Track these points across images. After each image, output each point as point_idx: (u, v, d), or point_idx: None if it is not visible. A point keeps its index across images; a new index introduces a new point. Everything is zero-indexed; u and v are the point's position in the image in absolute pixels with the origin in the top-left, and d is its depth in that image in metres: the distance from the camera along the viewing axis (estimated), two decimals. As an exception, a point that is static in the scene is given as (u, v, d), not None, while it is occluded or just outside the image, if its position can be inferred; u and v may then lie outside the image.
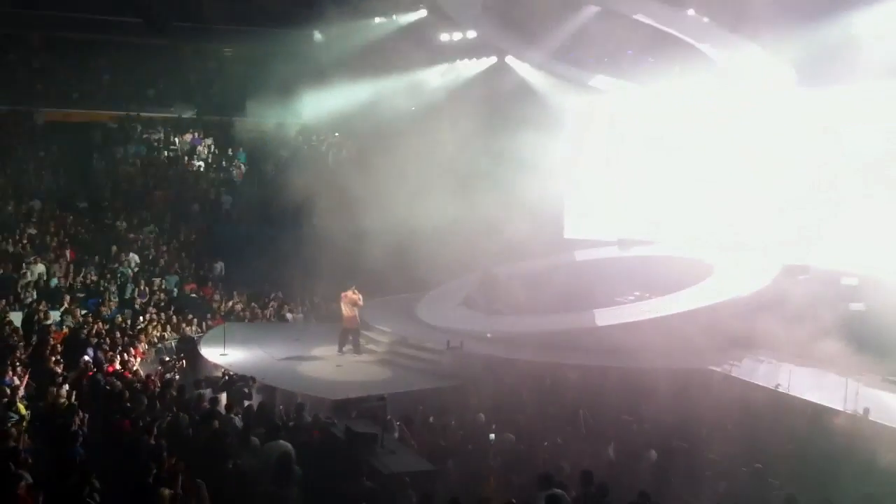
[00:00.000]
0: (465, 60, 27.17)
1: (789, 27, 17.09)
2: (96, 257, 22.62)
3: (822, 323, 15.54)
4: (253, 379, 16.39)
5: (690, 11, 20.15)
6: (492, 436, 13.43)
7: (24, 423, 13.46)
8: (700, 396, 14.61)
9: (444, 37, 26.69)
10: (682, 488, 12.40)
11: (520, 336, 18.32)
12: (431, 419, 14.84)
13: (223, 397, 15.28)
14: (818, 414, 13.82)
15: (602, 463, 12.83)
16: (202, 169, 28.29)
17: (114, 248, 23.32)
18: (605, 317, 18.48)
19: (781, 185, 20.04)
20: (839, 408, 13.83)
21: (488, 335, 17.81)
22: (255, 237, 24.04)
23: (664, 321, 17.27)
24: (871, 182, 18.15)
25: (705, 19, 20.13)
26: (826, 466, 12.15)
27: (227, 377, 16.74)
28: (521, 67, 25.91)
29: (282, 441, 12.78)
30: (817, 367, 15.68)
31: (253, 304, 22.30)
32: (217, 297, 22.39)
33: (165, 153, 28.59)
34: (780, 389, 14.97)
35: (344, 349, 18.63)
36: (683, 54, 21.01)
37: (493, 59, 26.56)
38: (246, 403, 15.35)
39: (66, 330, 18.47)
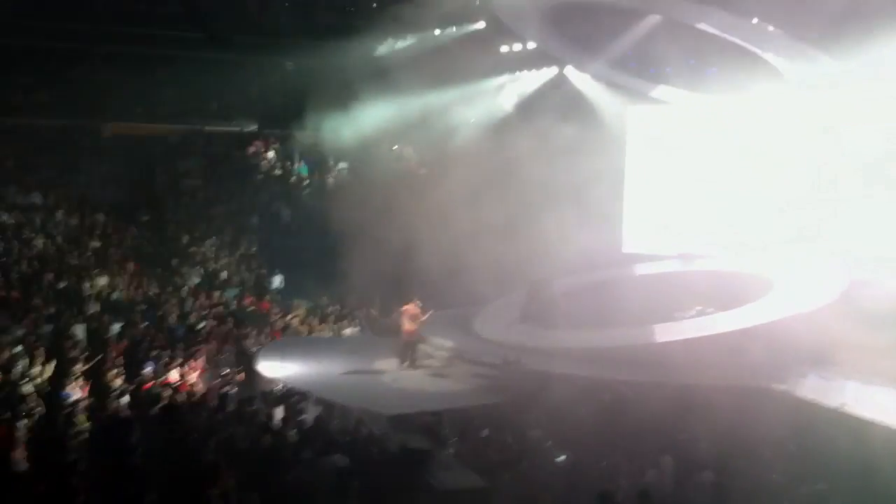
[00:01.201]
0: (526, 71, 27.06)
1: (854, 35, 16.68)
2: (158, 270, 22.92)
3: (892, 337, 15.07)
4: (307, 393, 16.45)
5: (754, 20, 19.81)
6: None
7: (84, 436, 13.70)
8: (761, 415, 14.25)
9: (504, 48, 26.63)
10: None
11: (577, 351, 18.06)
12: (485, 433, 14.72)
13: (279, 411, 15.35)
14: (885, 434, 13.36)
15: (660, 482, 12.58)
16: (262, 181, 28.53)
17: (175, 260, 23.62)
18: (665, 332, 18.15)
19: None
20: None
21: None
22: (314, 250, 24.13)
23: (724, 337, 16.88)
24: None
25: (770, 27, 19.77)
26: (892, 489, 11.74)
27: (282, 391, 16.85)
28: (581, 78, 25.73)
29: (338, 456, 12.79)
30: (887, 385, 15.16)
31: (311, 317, 22.38)
32: (275, 310, 22.49)
33: (226, 166, 28.86)
34: (846, 409, 14.51)
35: (404, 364, 18.56)
36: (749, 64, 20.67)
37: (555, 70, 26.40)
38: (301, 417, 15.40)
39: (125, 342, 18.72)
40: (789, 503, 12.05)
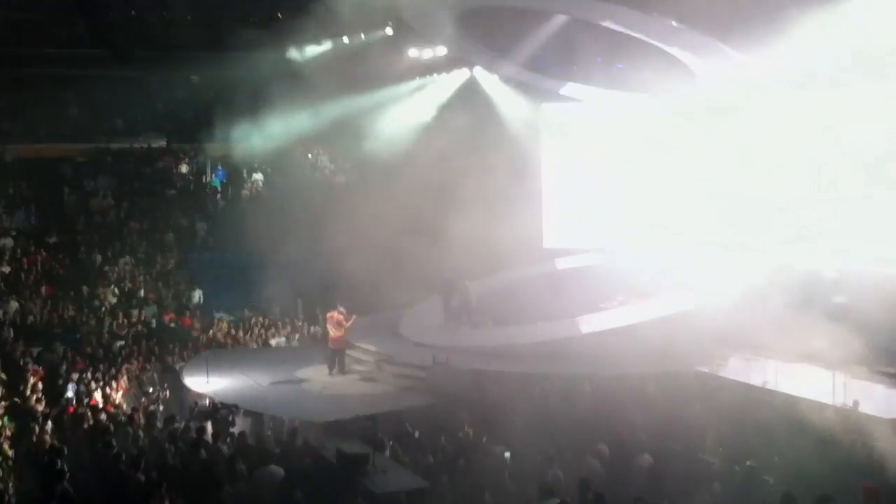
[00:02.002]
0: (437, 75, 27.19)
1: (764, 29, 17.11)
2: (72, 292, 22.34)
3: (807, 318, 15.56)
4: (236, 406, 16.24)
5: (656, 16, 20.22)
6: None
7: (10, 464, 13.28)
8: (689, 398, 14.62)
9: (414, 52, 26.72)
10: (676, 491, 12.33)
11: (504, 348, 18.22)
12: (417, 435, 14.76)
13: (209, 426, 15.11)
14: (808, 409, 13.82)
15: (595, 470, 12.77)
16: (175, 197, 28.06)
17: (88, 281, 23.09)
18: (590, 324, 18.42)
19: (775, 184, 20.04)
20: (828, 402, 13.87)
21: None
22: (232, 263, 23.86)
23: (649, 325, 17.24)
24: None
25: (673, 23, 20.21)
26: (820, 461, 12.13)
27: (210, 406, 16.60)
28: (491, 80, 25.95)
29: (273, 467, 12.67)
30: (805, 363, 15.67)
31: (233, 330, 22.10)
32: (197, 325, 22.14)
33: (136, 184, 28.30)
34: (769, 386, 14.99)
35: (332, 371, 18.46)
36: (655, 59, 21.07)
37: (466, 73, 26.58)
38: (232, 431, 15.21)
39: (43, 367, 18.20)
40: (722, 482, 12.31)
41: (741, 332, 16.53)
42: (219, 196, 28.76)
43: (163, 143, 30.21)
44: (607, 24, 20.89)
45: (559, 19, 22.99)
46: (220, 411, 16.36)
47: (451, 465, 13.29)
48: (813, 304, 16.02)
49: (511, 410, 15.04)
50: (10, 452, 13.90)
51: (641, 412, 14.60)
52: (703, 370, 16.18)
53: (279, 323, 22.57)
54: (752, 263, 18.84)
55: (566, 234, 23.87)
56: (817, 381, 14.61)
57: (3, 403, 15.65)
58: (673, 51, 20.29)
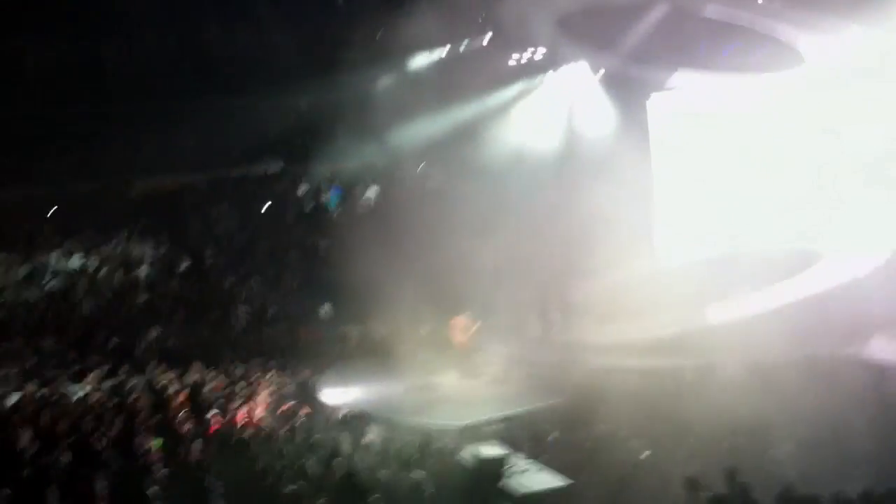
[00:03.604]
0: (538, 77, 27.16)
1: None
2: (207, 315, 23.13)
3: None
4: (369, 414, 16.56)
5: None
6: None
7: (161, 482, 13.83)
8: (839, 384, 14.17)
9: (515, 56, 26.77)
10: (826, 479, 12.01)
11: (634, 342, 18.06)
12: (557, 434, 14.75)
13: (345, 436, 15.45)
14: None
15: (738, 458, 12.54)
16: (297, 216, 28.78)
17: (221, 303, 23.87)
18: (720, 314, 18.10)
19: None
20: None
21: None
22: (354, 277, 24.29)
23: (782, 311, 16.83)
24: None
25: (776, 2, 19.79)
26: None
27: (346, 416, 16.97)
28: (593, 78, 25.80)
29: (415, 471, 12.88)
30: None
31: (363, 341, 22.49)
32: (327, 339, 22.65)
33: (257, 207, 29.14)
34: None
35: (461, 375, 18.62)
36: (764, 42, 20.65)
37: (566, 72, 26.46)
38: (365, 440, 15.51)
39: (187, 390, 18.88)
40: (873, 468, 11.94)
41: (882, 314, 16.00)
42: (335, 213, 29.36)
43: (279, 166, 31.05)
44: (711, 9, 20.62)
45: (660, 9, 22.75)
46: (353, 421, 16.72)
47: (590, 461, 13.29)
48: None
49: (645, 405, 14.93)
50: (162, 472, 14.49)
51: (781, 400, 14.26)
52: (847, 353, 15.67)
53: (405, 331, 22.83)
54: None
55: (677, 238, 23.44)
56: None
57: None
58: (781, 32, 19.86)
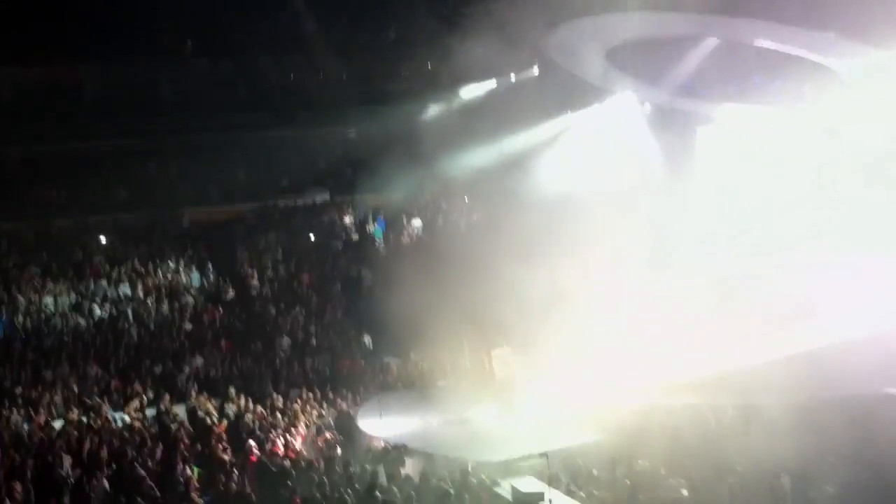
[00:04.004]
0: (585, 109, 27.13)
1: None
2: (250, 345, 23.30)
3: None
4: (405, 447, 16.50)
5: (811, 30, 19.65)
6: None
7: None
8: (883, 423, 13.80)
9: (562, 88, 26.76)
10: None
11: (676, 378, 17.78)
12: (595, 472, 14.53)
13: (381, 468, 15.42)
14: None
15: (779, 499, 12.26)
16: (341, 248, 28.94)
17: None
18: (758, 352, 17.78)
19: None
20: None
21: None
22: (397, 308, 24.33)
23: (827, 349, 16.48)
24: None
25: (829, 33, 19.58)
26: None
27: (384, 448, 16.95)
28: (640, 110, 25.73)
29: (450, 507, 12.79)
30: None
31: (404, 373, 22.47)
32: (368, 370, 22.66)
33: (304, 238, 29.37)
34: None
35: (500, 409, 18.48)
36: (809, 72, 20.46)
37: (613, 104, 26.41)
38: (402, 472, 15.46)
39: (228, 419, 19.00)
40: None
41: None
42: (380, 244, 29.47)
43: (326, 197, 31.32)
44: (760, 42, 20.47)
45: (711, 42, 22.65)
46: (391, 453, 16.68)
47: (629, 499, 13.07)
48: None
49: (686, 442, 14.68)
50: (201, 501, 14.59)
51: (823, 440, 13.92)
52: (888, 392, 15.29)
53: (445, 364, 22.78)
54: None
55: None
56: None
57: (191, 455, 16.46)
58: (827, 61, 19.66)
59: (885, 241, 17.17)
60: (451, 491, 13.83)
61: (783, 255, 21.38)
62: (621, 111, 26.20)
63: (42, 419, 18.35)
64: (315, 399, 20.12)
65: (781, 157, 20.39)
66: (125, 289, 25.09)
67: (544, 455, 14.12)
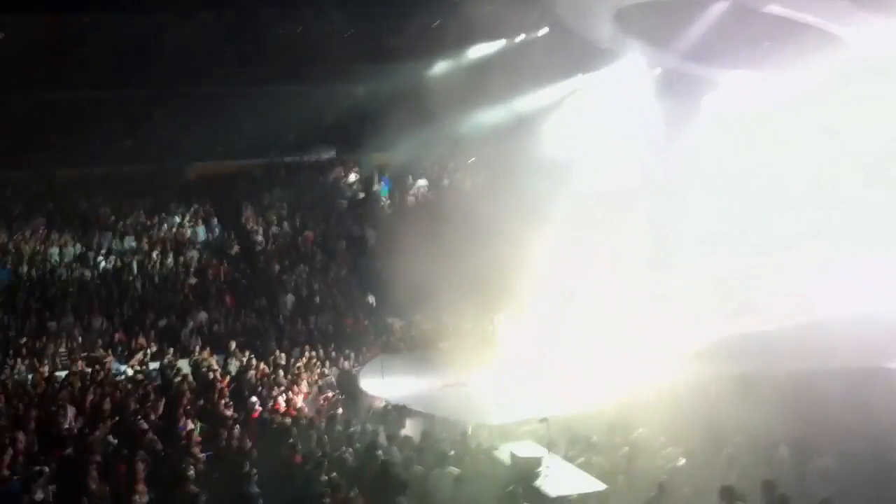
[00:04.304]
0: (594, 72, 26.92)
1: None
2: (254, 301, 23.37)
3: None
4: (406, 407, 16.60)
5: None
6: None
7: (200, 467, 14.01)
8: (880, 396, 13.88)
9: (571, 50, 26.51)
10: (865, 493, 11.79)
11: (676, 350, 17.86)
12: (594, 438, 14.61)
13: (383, 429, 15.52)
14: None
15: (777, 469, 12.35)
16: (346, 207, 28.92)
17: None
18: (766, 320, 17.84)
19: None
20: None
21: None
22: (401, 268, 24.34)
23: (834, 321, 16.52)
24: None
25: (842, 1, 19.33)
26: None
27: (385, 408, 17.05)
28: (649, 74, 25.53)
29: (450, 468, 12.87)
30: None
31: (407, 334, 22.55)
32: (371, 329, 22.75)
33: (310, 195, 29.34)
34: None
35: (502, 372, 18.58)
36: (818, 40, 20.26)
37: (622, 67, 26.18)
38: (402, 432, 15.55)
39: (230, 375, 19.14)
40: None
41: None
42: (386, 203, 29.43)
43: (332, 154, 31.20)
44: (771, 8, 20.23)
45: (720, 6, 22.37)
46: (391, 413, 16.79)
47: (626, 466, 13.16)
48: None
49: (685, 410, 14.75)
50: (202, 456, 14.70)
51: (821, 410, 14.00)
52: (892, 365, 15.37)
53: (448, 326, 22.86)
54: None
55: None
56: None
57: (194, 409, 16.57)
58: (835, 29, 19.45)
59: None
60: (451, 453, 13.91)
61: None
62: (630, 75, 26.00)
63: (46, 370, 18.48)
64: (318, 357, 20.20)
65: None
66: (130, 241, 25.15)
67: (544, 420, 14.18)
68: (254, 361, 19.53)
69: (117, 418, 15.73)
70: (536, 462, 13.03)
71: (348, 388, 18.50)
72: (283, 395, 17.49)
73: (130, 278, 23.64)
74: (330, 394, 17.99)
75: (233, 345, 20.50)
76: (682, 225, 22.37)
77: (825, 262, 19.95)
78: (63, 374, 18.43)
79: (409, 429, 16.00)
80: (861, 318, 16.12)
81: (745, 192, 22.05)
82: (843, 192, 18.66)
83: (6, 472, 12.99)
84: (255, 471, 13.69)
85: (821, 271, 19.74)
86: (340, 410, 16.98)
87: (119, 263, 24.25)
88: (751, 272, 21.37)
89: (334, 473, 13.23)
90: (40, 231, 24.60)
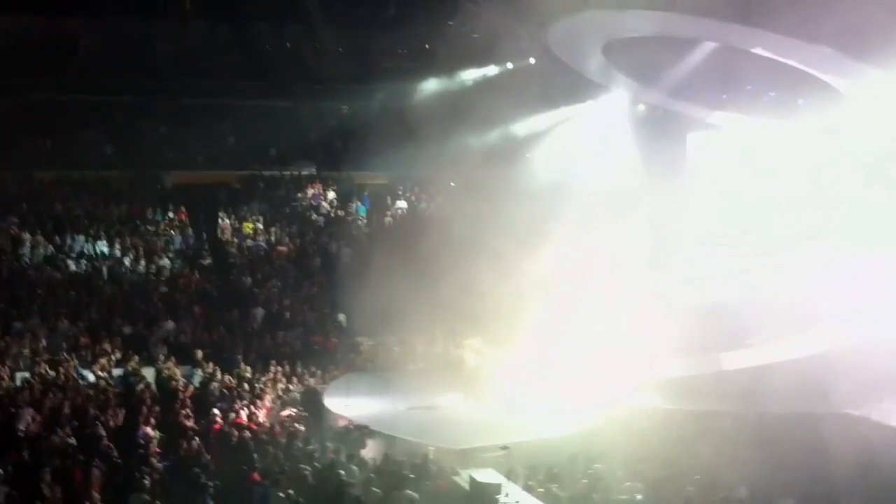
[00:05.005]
0: (578, 105, 27.05)
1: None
2: (224, 313, 23.20)
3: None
4: (368, 428, 16.51)
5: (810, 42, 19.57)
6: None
7: (156, 477, 13.86)
8: (839, 442, 13.93)
9: (557, 82, 26.65)
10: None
11: (645, 382, 17.85)
12: (555, 469, 14.57)
13: (343, 448, 15.41)
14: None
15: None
16: (322, 224, 28.85)
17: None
18: (734, 360, 17.87)
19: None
20: None
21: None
22: (374, 288, 24.27)
23: (794, 363, 16.57)
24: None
25: (827, 49, 19.51)
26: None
27: (347, 428, 16.95)
28: (632, 110, 25.70)
29: (407, 491, 12.80)
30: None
31: (375, 354, 22.42)
32: (340, 348, 22.60)
33: (287, 209, 29.27)
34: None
35: (468, 398, 18.51)
36: (807, 87, 20.43)
37: (606, 102, 26.33)
38: (363, 453, 15.47)
39: (193, 385, 18.96)
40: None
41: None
42: (363, 223, 29.39)
43: (312, 170, 31.16)
44: (758, 50, 20.39)
45: (708, 46, 22.56)
46: (353, 433, 16.69)
47: (584, 499, 13.12)
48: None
49: (649, 445, 14.74)
50: (159, 466, 14.53)
51: (783, 453, 14.04)
52: (854, 413, 15.41)
53: (417, 349, 22.76)
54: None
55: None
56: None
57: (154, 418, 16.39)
58: (826, 77, 19.62)
59: (885, 241, 17.20)
60: (410, 475, 13.84)
61: (783, 255, 21.50)
62: (612, 110, 26.16)
63: (6, 371, 18.22)
64: (283, 373, 20.03)
65: (781, 156, 20.41)
66: (102, 246, 24.93)
67: (506, 448, 14.15)
68: (218, 373, 19.33)
69: (76, 423, 15.54)
70: (495, 489, 12.98)
71: (312, 405, 18.33)
72: (246, 408, 17.31)
73: (101, 283, 23.40)
74: (293, 410, 17.82)
75: (199, 353, 20.29)
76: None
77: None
78: (25, 374, 18.20)
79: (371, 450, 15.92)
80: (824, 364, 16.13)
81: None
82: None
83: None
84: (211, 483, 13.59)
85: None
86: (302, 427, 16.84)
87: (90, 268, 24.02)
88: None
89: (291, 490, 13.14)
90: (12, 231, 24.30)
